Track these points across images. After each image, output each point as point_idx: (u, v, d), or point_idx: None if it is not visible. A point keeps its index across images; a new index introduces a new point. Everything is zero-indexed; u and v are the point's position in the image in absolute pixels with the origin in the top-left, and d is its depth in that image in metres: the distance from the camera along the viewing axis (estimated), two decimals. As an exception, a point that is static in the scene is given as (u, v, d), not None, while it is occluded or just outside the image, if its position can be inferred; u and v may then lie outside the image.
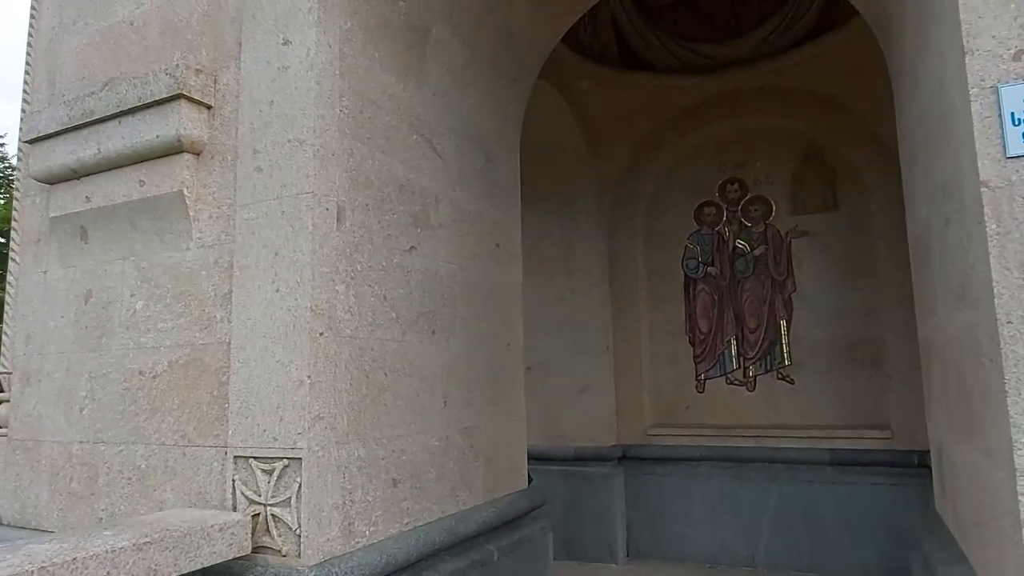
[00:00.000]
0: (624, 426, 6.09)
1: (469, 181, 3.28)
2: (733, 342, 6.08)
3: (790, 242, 5.95)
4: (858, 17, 5.20)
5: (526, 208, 4.05)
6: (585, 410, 5.98)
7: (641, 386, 6.10)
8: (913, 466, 5.13)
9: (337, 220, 2.37)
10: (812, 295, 5.83)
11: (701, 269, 6.24)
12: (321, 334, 2.25)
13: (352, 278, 2.42)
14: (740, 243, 6.13)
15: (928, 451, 5.18)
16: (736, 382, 6.03)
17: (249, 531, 2.17)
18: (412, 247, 2.80)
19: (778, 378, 5.89)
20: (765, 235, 6.04)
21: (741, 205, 6.15)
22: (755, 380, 5.97)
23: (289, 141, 2.33)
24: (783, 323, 5.91)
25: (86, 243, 2.77)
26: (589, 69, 5.88)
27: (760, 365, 5.97)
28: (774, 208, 6.02)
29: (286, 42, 2.40)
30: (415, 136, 2.88)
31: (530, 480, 3.78)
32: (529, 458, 3.88)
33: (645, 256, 6.43)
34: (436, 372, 2.89)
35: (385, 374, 2.55)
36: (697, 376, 6.17)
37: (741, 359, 6.03)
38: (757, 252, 6.05)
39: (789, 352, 5.86)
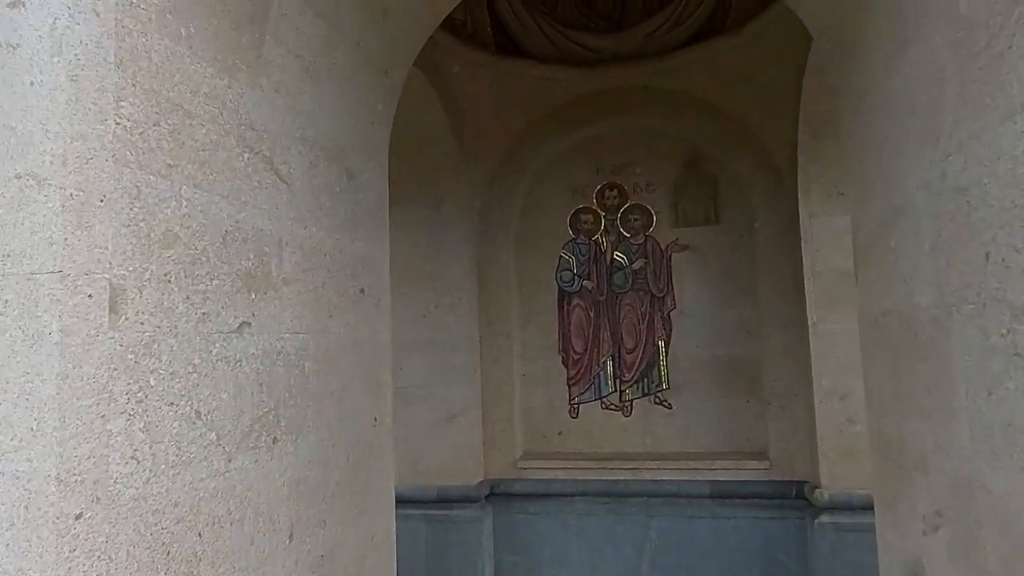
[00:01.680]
0: (493, 458, 5.46)
1: (325, 211, 2.39)
2: (609, 363, 5.64)
3: (670, 256, 5.57)
4: (752, 23, 4.83)
5: (393, 228, 3.22)
6: (452, 441, 5.26)
7: (512, 412, 5.49)
8: (791, 497, 4.98)
9: (110, 312, 1.42)
10: (692, 313, 5.51)
11: (576, 282, 5.71)
12: (78, 517, 1.32)
13: (139, 402, 1.49)
14: (619, 255, 5.67)
15: (804, 482, 5.10)
16: (612, 406, 5.61)
17: None
18: (243, 323, 1.88)
19: (655, 402, 5.54)
20: (645, 247, 5.62)
21: (620, 213, 5.67)
22: (632, 404, 5.58)
23: (17, 178, 1.34)
24: (661, 343, 5.54)
25: None
26: (461, 52, 5.05)
27: (637, 388, 5.58)
28: (655, 219, 5.61)
29: (14, 2, 1.39)
30: (247, 155, 1.95)
31: None
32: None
33: (518, 266, 5.80)
34: (280, 496, 2.02)
35: (199, 535, 1.65)
36: (571, 400, 5.67)
37: (617, 382, 5.61)
38: (636, 266, 5.62)
39: (667, 374, 5.52)
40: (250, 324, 1.92)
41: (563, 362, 5.69)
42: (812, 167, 4.75)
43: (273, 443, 2.00)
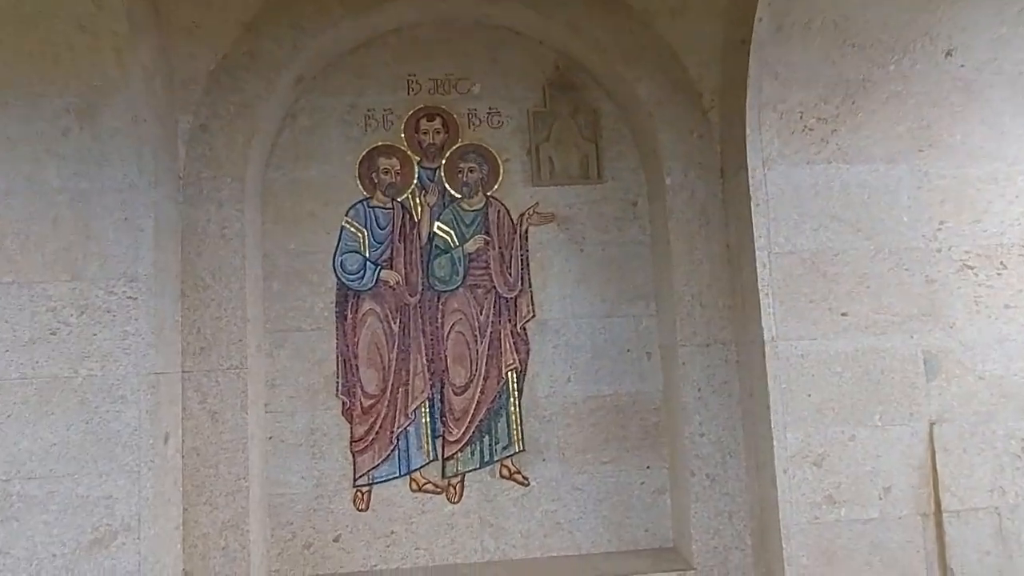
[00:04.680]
0: (201, 605, 2.84)
1: None
2: (424, 412, 3.30)
3: (526, 232, 3.40)
4: None
5: None
6: (104, 588, 2.56)
7: (245, 509, 2.90)
8: (731, 632, 2.98)
9: None
10: (561, 325, 3.36)
11: (370, 274, 3.32)
12: None
13: None
14: (442, 229, 3.38)
15: None
16: (429, 487, 3.26)
17: None
18: None
19: (503, 476, 3.29)
20: (485, 217, 3.39)
21: (446, 160, 3.40)
22: (463, 482, 3.27)
23: None
24: (512, 375, 3.33)
25: None
26: None
27: (471, 454, 3.29)
28: (501, 171, 3.41)
29: None
30: None
31: None
32: None
33: (262, 242, 3.27)
34: None
35: None
36: (358, 478, 3.23)
37: (438, 443, 3.28)
38: (471, 247, 3.37)
39: (521, 428, 3.30)
40: None
41: (344, 412, 3.25)
42: (770, 85, 2.86)
43: None
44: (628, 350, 3.36)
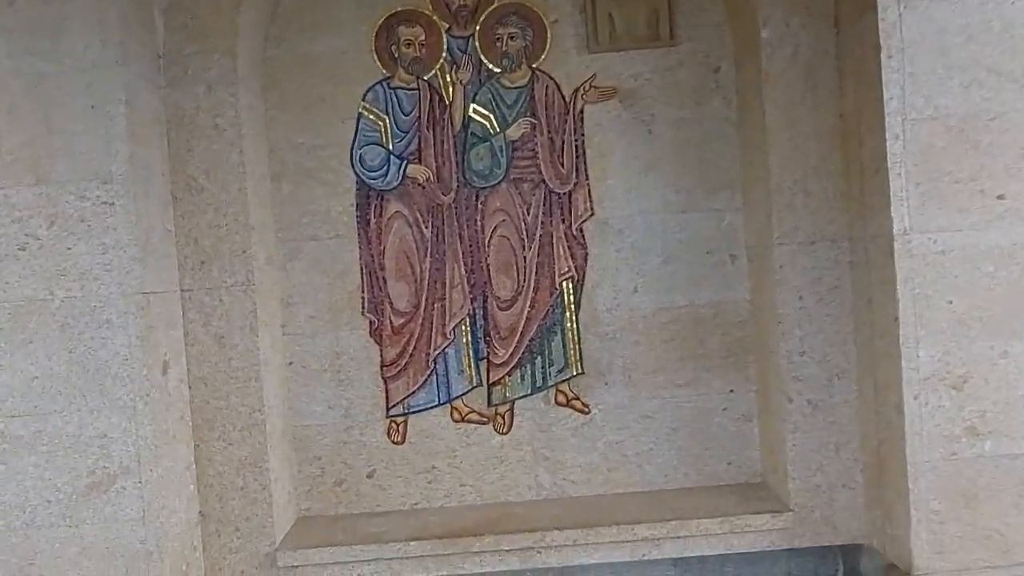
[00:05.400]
0: (220, 551, 2.51)
1: None
2: (465, 331, 2.82)
3: (582, 111, 2.78)
4: None
5: None
6: (109, 534, 2.23)
7: (264, 445, 2.52)
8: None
9: None
10: (626, 225, 2.79)
11: (394, 170, 2.78)
12: None
13: None
14: (478, 112, 2.79)
15: (866, 552, 2.44)
16: (474, 417, 2.82)
17: None
18: None
19: (559, 403, 2.82)
20: (531, 94, 2.78)
21: (480, 25, 2.77)
22: (512, 412, 2.82)
23: None
24: (567, 286, 2.80)
25: None
26: None
27: (522, 379, 2.82)
28: (549, 36, 2.76)
29: None
30: None
31: None
32: None
33: (267, 133, 2.75)
34: None
35: None
36: (391, 407, 2.81)
37: (482, 367, 2.82)
38: (515, 132, 2.78)
39: (579, 349, 2.80)
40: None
41: (372, 332, 2.80)
42: None
43: None
44: (708, 252, 2.78)
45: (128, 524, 2.23)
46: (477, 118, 2.78)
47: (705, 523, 2.52)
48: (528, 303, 2.80)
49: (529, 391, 2.81)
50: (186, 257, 2.50)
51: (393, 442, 2.80)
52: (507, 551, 2.55)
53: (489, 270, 2.80)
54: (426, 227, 2.80)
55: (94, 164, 2.23)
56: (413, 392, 2.80)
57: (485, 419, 2.81)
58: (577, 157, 2.76)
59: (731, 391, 2.80)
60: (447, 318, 2.81)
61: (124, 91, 2.23)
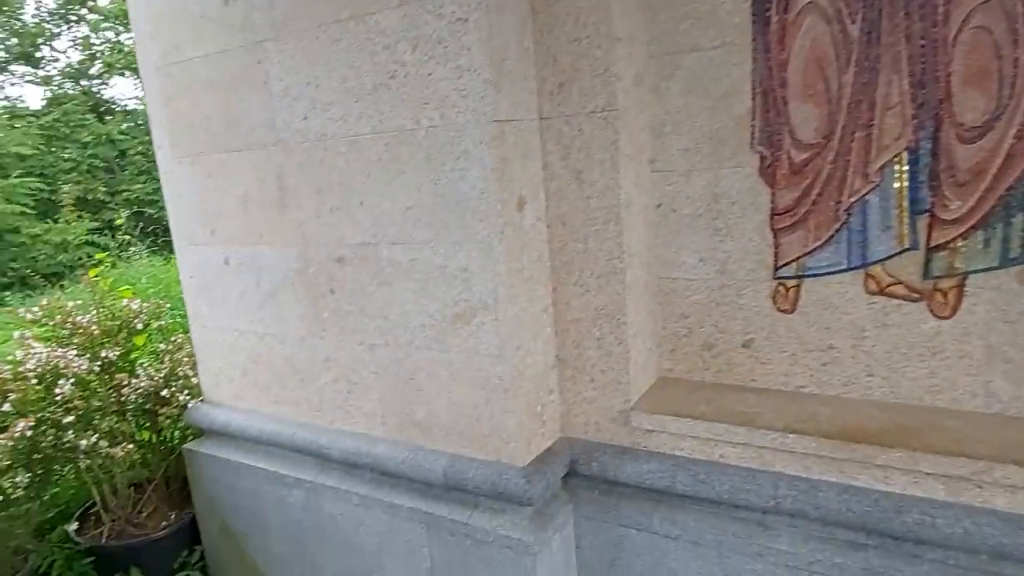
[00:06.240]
0: (577, 401, 2.39)
1: None
2: (900, 171, 1.99)
3: None
4: None
5: None
6: (471, 365, 2.27)
7: (622, 295, 2.24)
8: None
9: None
10: None
11: (811, -63, 1.95)
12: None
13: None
14: None
15: None
16: (899, 291, 2.05)
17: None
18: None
19: (1046, 285, 1.85)
20: None
21: None
22: (960, 289, 1.96)
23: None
24: (1094, 102, 1.70)
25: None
26: None
27: (986, 244, 1.91)
28: None
29: None
30: None
31: None
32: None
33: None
34: None
35: None
36: (780, 266, 2.21)
37: (921, 224, 1.98)
38: None
39: (1103, 203, 1.74)
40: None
41: (763, 171, 2.17)
42: None
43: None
44: None
45: (487, 358, 2.22)
46: None
47: None
48: (1013, 132, 1.81)
49: (996, 263, 1.90)
50: (545, 79, 2.21)
51: (779, 309, 2.23)
52: (926, 474, 1.87)
53: (949, 82, 1.87)
54: (853, 21, 1.96)
55: (447, -26, 2.01)
56: (813, 250, 2.14)
57: (917, 295, 2.02)
58: None
59: None
60: (873, 153, 2.00)
61: None
